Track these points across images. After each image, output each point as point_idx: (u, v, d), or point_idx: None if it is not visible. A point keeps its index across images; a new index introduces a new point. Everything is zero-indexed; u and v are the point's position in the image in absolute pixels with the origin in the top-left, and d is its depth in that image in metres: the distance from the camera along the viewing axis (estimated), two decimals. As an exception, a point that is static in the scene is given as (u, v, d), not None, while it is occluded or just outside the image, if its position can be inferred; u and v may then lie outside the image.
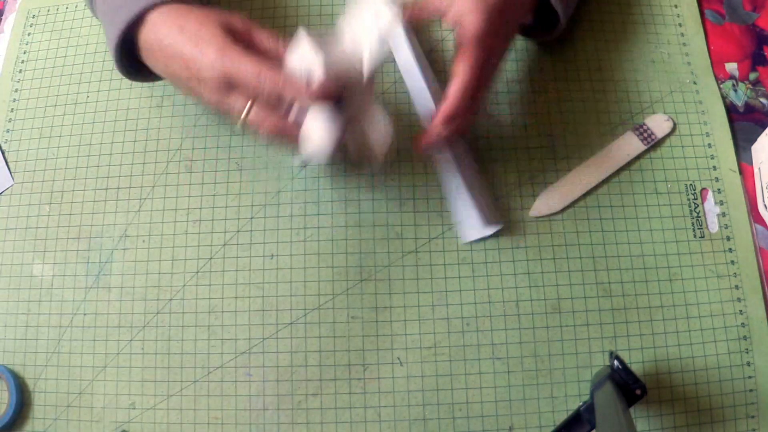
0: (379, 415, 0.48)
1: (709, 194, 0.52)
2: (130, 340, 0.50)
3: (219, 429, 0.48)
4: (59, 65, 0.59)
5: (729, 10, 0.59)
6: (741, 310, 0.49)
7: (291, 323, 0.50)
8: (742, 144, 0.54)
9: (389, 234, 0.51)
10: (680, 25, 0.58)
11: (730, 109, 0.55)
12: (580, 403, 0.44)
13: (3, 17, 0.63)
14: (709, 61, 0.57)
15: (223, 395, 0.48)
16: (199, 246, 0.52)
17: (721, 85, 0.56)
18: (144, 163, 0.55)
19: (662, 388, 0.48)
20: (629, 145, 0.53)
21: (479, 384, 0.48)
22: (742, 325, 0.49)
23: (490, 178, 0.53)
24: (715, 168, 0.53)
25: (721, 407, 0.47)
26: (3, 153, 0.57)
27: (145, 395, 0.49)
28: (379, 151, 0.46)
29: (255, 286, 0.51)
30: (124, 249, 0.52)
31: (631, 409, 0.42)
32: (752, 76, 0.57)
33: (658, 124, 0.54)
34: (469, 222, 0.50)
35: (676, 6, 0.59)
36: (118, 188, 0.54)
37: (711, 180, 0.53)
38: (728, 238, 0.51)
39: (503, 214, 0.52)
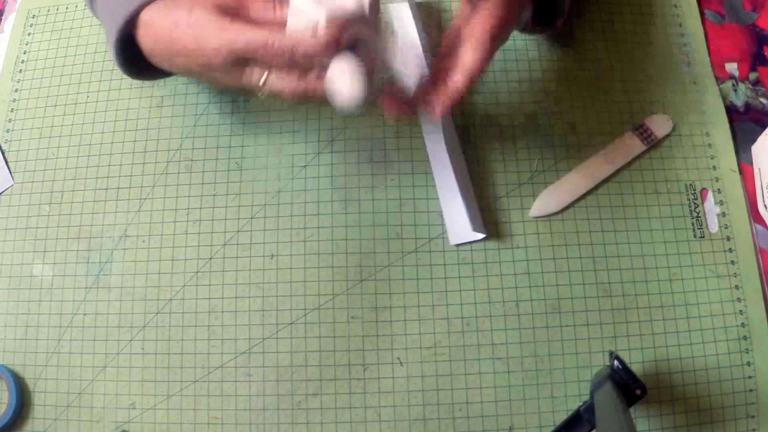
0: (379, 415, 0.48)
1: (709, 194, 0.52)
2: (130, 340, 0.50)
3: (219, 429, 0.48)
4: (59, 65, 0.59)
5: (729, 10, 0.59)
6: (741, 310, 0.49)
7: (291, 323, 0.50)
8: (742, 144, 0.54)
9: (389, 234, 0.51)
10: (680, 25, 0.58)
11: (730, 109, 0.55)
12: (580, 403, 0.44)
13: (3, 17, 0.63)
14: (709, 61, 0.57)
15: (223, 395, 0.49)
16: (199, 246, 0.52)
17: (721, 85, 0.56)
18: (144, 163, 0.55)
19: (662, 388, 0.48)
20: (629, 145, 0.53)
21: (479, 384, 0.48)
22: (742, 325, 0.49)
23: (490, 178, 0.53)
24: (715, 168, 0.53)
25: (721, 407, 0.47)
26: (3, 153, 0.57)
27: (145, 395, 0.49)
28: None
29: (255, 286, 0.51)
30: (124, 249, 0.52)
31: (631, 409, 0.42)
32: (752, 76, 0.57)
33: (658, 124, 0.54)
34: (458, 225, 0.50)
35: (676, 6, 0.59)
36: (118, 188, 0.54)
37: (711, 180, 0.53)
38: (728, 238, 0.51)
39: (501, 214, 0.52)
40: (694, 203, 0.52)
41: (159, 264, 0.52)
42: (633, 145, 0.53)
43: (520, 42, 0.57)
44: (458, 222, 0.50)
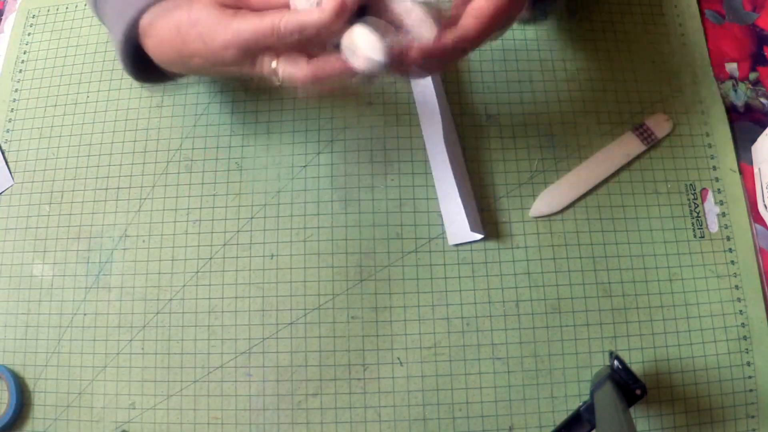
0: (379, 415, 0.48)
1: (709, 194, 0.52)
2: (130, 340, 0.50)
3: (219, 429, 0.48)
4: (59, 65, 0.59)
5: (729, 10, 0.59)
6: (741, 310, 0.49)
7: (291, 323, 0.50)
8: (742, 144, 0.54)
9: (389, 234, 0.51)
10: (680, 25, 0.58)
11: (730, 109, 0.55)
12: (580, 403, 0.44)
13: (3, 17, 0.63)
14: (709, 61, 0.57)
15: (223, 395, 0.49)
16: (199, 246, 0.52)
17: (721, 85, 0.56)
18: (144, 163, 0.55)
19: (662, 388, 0.48)
20: (629, 145, 0.53)
21: (479, 384, 0.48)
22: (742, 325, 0.49)
23: (490, 178, 0.53)
24: (715, 168, 0.53)
25: (721, 407, 0.47)
26: (3, 153, 0.57)
27: (145, 395, 0.49)
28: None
29: (255, 286, 0.51)
30: (124, 249, 0.52)
31: (631, 409, 0.42)
32: (752, 76, 0.57)
33: (657, 124, 0.54)
34: (457, 225, 0.50)
35: (676, 6, 0.59)
36: (118, 188, 0.54)
37: (711, 180, 0.53)
38: (728, 238, 0.51)
39: (501, 214, 0.52)
40: (694, 203, 0.52)
41: (159, 264, 0.52)
42: (633, 145, 0.53)
43: (520, 42, 0.57)
44: (457, 222, 0.50)
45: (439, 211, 0.52)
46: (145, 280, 0.51)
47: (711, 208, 0.52)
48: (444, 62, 0.42)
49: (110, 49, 0.59)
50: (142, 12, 0.42)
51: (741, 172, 0.53)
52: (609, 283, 0.50)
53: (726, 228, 0.51)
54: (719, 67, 0.57)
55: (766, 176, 0.51)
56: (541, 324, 0.49)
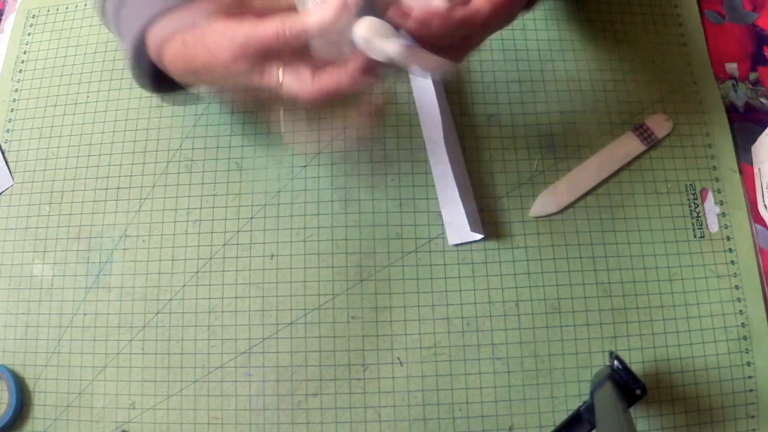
0: (379, 415, 0.48)
1: (709, 194, 0.52)
2: (130, 340, 0.50)
3: (219, 429, 0.48)
4: (59, 65, 0.59)
5: (729, 10, 0.59)
6: (741, 310, 0.49)
7: (291, 323, 0.50)
8: (742, 144, 0.54)
9: (389, 234, 0.51)
10: (680, 25, 0.58)
11: (730, 109, 0.55)
12: (580, 403, 0.44)
13: (3, 17, 0.63)
14: (709, 61, 0.57)
15: (223, 395, 0.49)
16: (199, 246, 0.52)
17: (721, 85, 0.56)
18: (144, 163, 0.55)
19: (662, 388, 0.48)
20: (629, 145, 0.53)
21: (479, 384, 0.48)
22: (742, 325, 0.49)
23: (490, 178, 0.53)
24: (715, 168, 0.53)
25: (721, 407, 0.47)
26: (3, 153, 0.57)
27: (145, 395, 0.49)
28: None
29: (255, 286, 0.51)
30: (124, 249, 0.52)
31: (631, 409, 0.42)
32: (752, 76, 0.57)
33: (657, 124, 0.54)
34: (457, 225, 0.50)
35: (676, 6, 0.59)
36: (118, 188, 0.54)
37: (711, 180, 0.53)
38: (728, 238, 0.51)
39: (501, 214, 0.52)
40: (694, 203, 0.52)
41: (159, 264, 0.52)
42: (633, 145, 0.53)
43: (520, 42, 0.57)
44: (457, 222, 0.50)
45: (439, 211, 0.52)
46: (145, 280, 0.51)
47: (711, 208, 0.52)
48: (454, 50, 0.40)
49: (110, 49, 0.59)
50: (146, 26, 0.41)
51: (741, 172, 0.53)
52: (609, 283, 0.50)
53: (726, 228, 0.51)
54: (719, 67, 0.57)
55: (766, 176, 0.51)
56: (541, 324, 0.49)
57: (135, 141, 0.55)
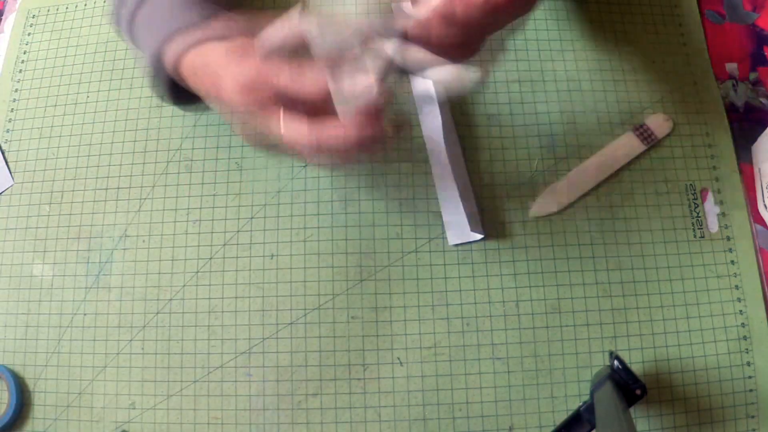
0: (379, 415, 0.48)
1: (709, 194, 0.52)
2: (130, 340, 0.50)
3: (219, 429, 0.48)
4: (59, 65, 0.59)
5: (729, 10, 0.59)
6: (741, 310, 0.49)
7: (291, 323, 0.50)
8: (742, 144, 0.54)
9: (389, 234, 0.51)
10: (680, 25, 0.58)
11: (730, 109, 0.55)
12: (580, 403, 0.44)
13: (3, 17, 0.63)
14: (709, 61, 0.57)
15: (223, 395, 0.49)
16: (199, 246, 0.52)
17: (721, 85, 0.56)
18: (144, 163, 0.55)
19: (662, 388, 0.48)
20: (629, 145, 0.53)
21: (479, 384, 0.48)
22: (742, 325, 0.49)
23: (490, 178, 0.53)
24: (715, 168, 0.53)
25: (721, 407, 0.47)
26: (3, 153, 0.57)
27: (145, 395, 0.49)
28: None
29: (255, 286, 0.51)
30: (124, 249, 0.52)
31: (631, 409, 0.42)
32: (752, 76, 0.57)
33: (657, 124, 0.54)
34: (457, 225, 0.50)
35: (676, 6, 0.59)
36: (118, 188, 0.54)
37: (711, 180, 0.53)
38: (728, 238, 0.51)
39: (501, 214, 0.52)
40: (694, 203, 0.52)
41: (159, 264, 0.52)
42: (633, 145, 0.53)
43: (520, 41, 0.57)
44: (457, 222, 0.50)
45: (439, 211, 0.52)
46: (145, 280, 0.51)
47: (711, 208, 0.52)
48: (466, 44, 0.39)
49: (110, 50, 0.59)
50: (163, 45, 0.41)
51: (741, 172, 0.53)
52: (609, 283, 0.50)
53: (726, 228, 0.51)
54: (719, 67, 0.57)
55: (766, 176, 0.51)
56: (541, 324, 0.49)
57: (135, 141, 0.55)
